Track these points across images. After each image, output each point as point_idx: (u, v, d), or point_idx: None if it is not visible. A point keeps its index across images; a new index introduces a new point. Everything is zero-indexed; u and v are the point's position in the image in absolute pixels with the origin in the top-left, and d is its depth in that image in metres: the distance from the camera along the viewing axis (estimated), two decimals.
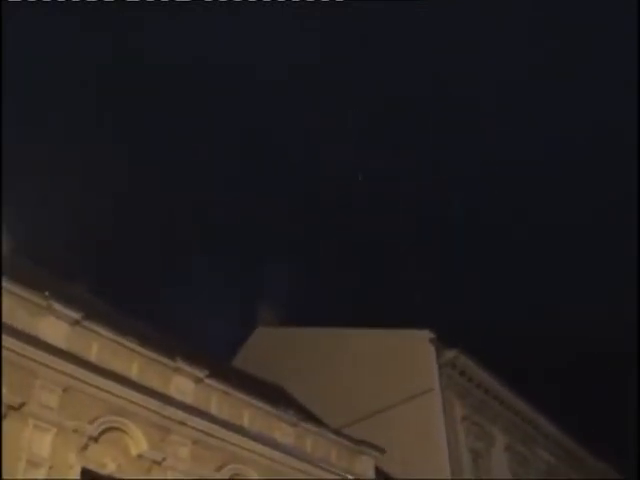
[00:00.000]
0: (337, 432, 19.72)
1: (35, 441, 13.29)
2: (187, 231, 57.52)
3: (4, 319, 13.45)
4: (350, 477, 18.61)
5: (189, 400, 16.08)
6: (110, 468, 14.36)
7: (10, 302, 13.78)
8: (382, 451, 19.75)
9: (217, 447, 16.24)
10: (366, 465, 19.39)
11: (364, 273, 55.91)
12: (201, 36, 52.65)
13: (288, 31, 49.97)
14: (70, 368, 14.14)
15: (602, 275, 51.83)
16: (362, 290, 51.64)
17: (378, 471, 20.05)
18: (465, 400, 25.35)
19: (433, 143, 57.58)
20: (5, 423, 12.93)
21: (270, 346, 29.16)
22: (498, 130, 54.26)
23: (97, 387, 14.51)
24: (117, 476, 14.33)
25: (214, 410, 16.55)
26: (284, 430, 17.85)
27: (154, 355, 15.90)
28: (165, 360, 16.06)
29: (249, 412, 17.35)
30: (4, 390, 13.04)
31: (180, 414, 15.66)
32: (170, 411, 15.52)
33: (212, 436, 16.17)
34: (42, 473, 13.16)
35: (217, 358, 23.90)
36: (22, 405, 13.26)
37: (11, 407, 13.07)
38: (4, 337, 13.29)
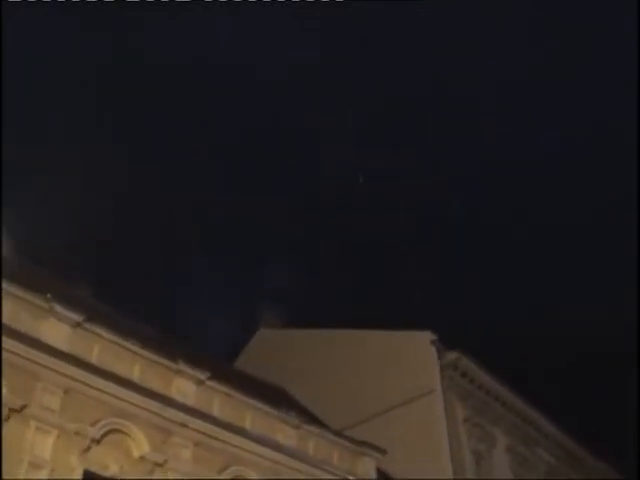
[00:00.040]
0: (339, 434, 19.72)
1: (37, 443, 13.31)
2: (187, 231, 57.50)
3: (6, 321, 13.44)
4: (352, 478, 18.59)
5: (191, 402, 16.07)
6: (112, 470, 14.38)
7: (12, 304, 13.78)
8: (384, 452, 19.74)
9: (219, 449, 16.24)
10: (368, 466, 19.37)
11: (364, 273, 55.94)
12: (201, 36, 52.67)
13: (288, 31, 49.99)
14: (72, 370, 14.16)
15: (602, 275, 51.84)
16: (362, 290, 51.66)
17: (380, 472, 20.05)
18: (467, 402, 25.38)
19: (433, 143, 57.61)
20: (7, 425, 12.95)
21: (272, 348, 29.19)
22: (498, 130, 54.29)
23: (99, 389, 14.52)
24: (119, 478, 14.34)
25: (216, 412, 16.55)
26: (286, 432, 17.85)
27: (156, 357, 15.90)
28: (167, 362, 16.05)
29: (251, 414, 17.34)
30: (6, 392, 13.03)
31: (182, 416, 15.66)
32: (172, 413, 15.52)
33: (214, 438, 16.17)
34: (44, 475, 13.17)
35: (219, 360, 23.85)
36: (24, 407, 13.28)
37: (13, 409, 13.08)
38: (6, 339, 13.27)
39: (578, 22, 47.10)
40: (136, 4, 37.87)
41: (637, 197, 41.43)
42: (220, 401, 16.84)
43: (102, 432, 14.32)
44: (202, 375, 16.47)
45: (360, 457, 19.32)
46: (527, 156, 54.63)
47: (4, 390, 13.02)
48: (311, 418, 20.41)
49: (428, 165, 59.42)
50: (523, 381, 30.13)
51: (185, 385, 16.18)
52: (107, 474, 14.27)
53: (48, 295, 14.32)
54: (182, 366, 16.12)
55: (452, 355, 24.93)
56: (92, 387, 14.41)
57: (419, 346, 25.22)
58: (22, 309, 13.98)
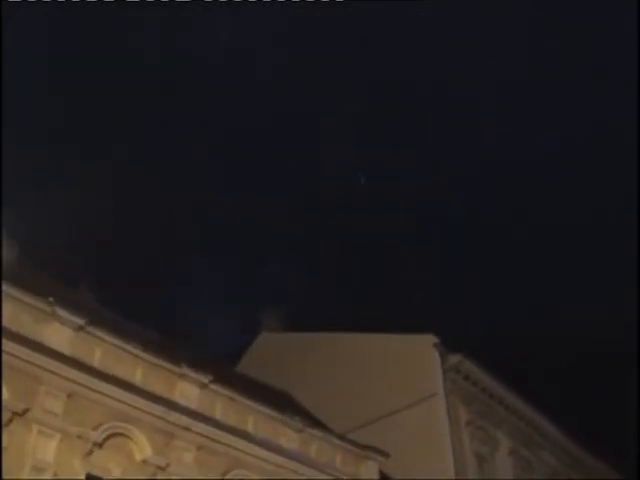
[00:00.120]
0: (342, 437, 19.68)
1: (39, 447, 13.32)
2: (187, 231, 57.42)
3: (9, 325, 13.41)
4: None
5: (193, 406, 16.04)
6: (114, 474, 14.40)
7: (14, 308, 13.74)
8: (387, 456, 19.72)
9: (222, 452, 16.22)
10: (371, 470, 19.35)
11: (364, 273, 55.84)
12: (201, 36, 52.56)
13: (288, 31, 49.87)
14: (74, 374, 14.14)
15: (602, 275, 51.78)
16: (362, 290, 51.59)
17: (383, 476, 20.03)
18: (469, 405, 25.35)
19: (433, 143, 57.53)
20: (9, 429, 12.95)
21: (274, 351, 29.15)
22: (498, 130, 54.20)
23: (101, 393, 14.51)
24: None
25: (219, 416, 16.52)
26: (289, 435, 17.82)
27: (158, 361, 15.88)
28: (169, 366, 16.03)
29: (253, 417, 17.32)
30: (8, 396, 13.00)
31: (184, 420, 15.64)
32: (174, 417, 15.50)
33: (217, 441, 16.15)
34: (47, 479, 13.12)
35: (221, 363, 23.78)
36: (26, 411, 13.27)
37: (15, 413, 13.07)
38: (8, 343, 13.24)
39: (578, 22, 47.06)
40: (136, 4, 37.78)
41: (637, 197, 41.41)
42: (223, 404, 16.80)
43: (104, 436, 14.32)
44: (205, 378, 16.44)
45: (363, 460, 19.29)
46: (527, 156, 54.59)
47: (7, 394, 13.00)
48: (314, 421, 20.36)
49: (428, 165, 59.42)
50: (523, 381, 30.10)
51: (188, 388, 16.15)
52: (109, 478, 14.27)
53: (50, 299, 14.29)
54: (185, 369, 16.08)
55: (455, 358, 24.89)
56: (95, 391, 14.40)
57: (421, 349, 25.18)
58: (24, 312, 13.95)
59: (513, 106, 55.57)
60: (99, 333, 14.99)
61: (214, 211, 58.44)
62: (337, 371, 26.88)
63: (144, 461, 14.77)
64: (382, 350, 26.29)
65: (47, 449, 13.37)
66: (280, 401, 20.73)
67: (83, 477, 13.81)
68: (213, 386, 16.66)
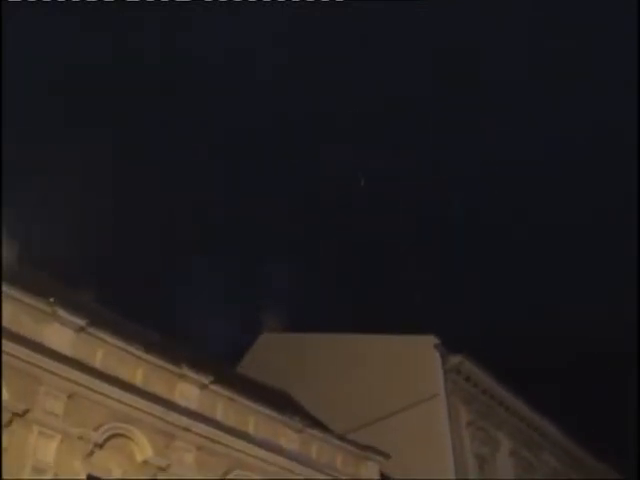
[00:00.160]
0: (342, 438, 19.68)
1: (40, 448, 13.31)
2: (187, 232, 57.37)
3: (9, 325, 13.40)
4: None
5: (194, 406, 16.04)
6: (115, 474, 14.39)
7: (15, 308, 13.73)
8: (387, 457, 19.72)
9: (222, 453, 16.21)
10: (371, 471, 19.35)
11: (364, 273, 55.79)
12: (201, 36, 52.52)
13: (288, 31, 49.84)
14: (75, 375, 14.14)
15: (602, 275, 51.77)
16: (362, 290, 51.53)
17: (383, 477, 20.00)
18: (470, 406, 25.34)
19: (433, 143, 57.50)
20: (10, 430, 12.94)
21: (275, 352, 29.13)
22: (498, 130, 54.16)
23: (102, 394, 14.50)
24: None
25: (219, 416, 16.52)
26: (289, 436, 17.81)
27: (159, 361, 15.88)
28: (170, 366, 16.02)
29: (254, 418, 17.31)
30: (9, 397, 12.99)
31: (185, 420, 15.64)
32: (175, 417, 15.50)
33: (217, 442, 16.14)
34: None
35: (222, 364, 23.76)
36: (27, 412, 13.26)
37: (16, 414, 13.05)
38: (9, 343, 13.23)
39: (578, 22, 47.05)
40: (136, 4, 37.75)
41: (637, 197, 41.41)
42: (223, 405, 16.80)
43: (105, 436, 14.31)
44: (205, 379, 16.44)
45: (364, 461, 19.30)
46: (527, 156, 54.58)
47: (7, 395, 12.99)
48: (314, 422, 20.36)
49: (428, 165, 59.35)
50: (523, 382, 30.08)
51: (188, 389, 16.14)
52: (110, 478, 14.26)
53: (51, 299, 14.28)
54: (185, 370, 16.08)
55: (456, 359, 24.89)
56: (95, 391, 14.40)
57: (422, 350, 25.17)
58: (24, 313, 13.94)
59: (513, 106, 55.58)
60: (100, 334, 14.98)
61: (214, 211, 58.39)
62: (338, 372, 26.89)
63: (145, 462, 14.76)
64: (383, 351, 26.29)
65: (47, 450, 13.35)
66: (280, 402, 20.73)
67: (84, 478, 13.79)
68: (213, 387, 16.66)
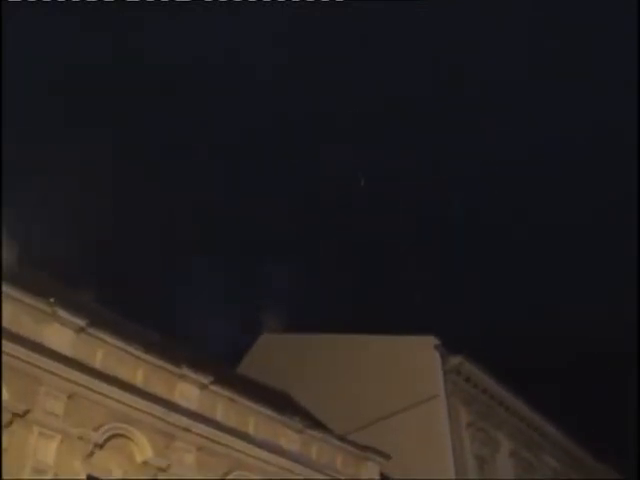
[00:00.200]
0: (342, 438, 19.67)
1: (40, 448, 13.30)
2: (187, 232, 57.35)
3: (9, 326, 13.39)
4: None
5: (194, 407, 16.03)
6: (115, 475, 14.38)
7: (15, 309, 13.73)
8: (388, 457, 19.71)
9: (222, 454, 16.20)
10: (372, 471, 19.33)
11: (364, 273, 55.78)
12: (201, 36, 52.50)
13: (288, 31, 49.83)
14: (75, 375, 14.13)
15: (602, 275, 51.78)
16: (362, 290, 51.53)
17: (383, 477, 19.98)
18: (470, 406, 25.33)
19: (433, 143, 57.48)
20: (10, 430, 12.93)
21: (275, 352, 29.12)
22: (498, 130, 54.15)
23: (102, 394, 14.49)
24: None
25: (219, 417, 16.51)
26: (289, 436, 17.80)
27: (159, 362, 15.87)
28: (170, 367, 16.01)
29: (254, 418, 17.30)
30: (9, 397, 12.98)
31: (185, 421, 15.62)
32: (175, 418, 15.48)
33: (217, 443, 16.13)
34: None
35: (222, 364, 23.76)
36: (27, 412, 13.25)
37: (16, 414, 13.05)
38: (9, 344, 13.23)
39: (578, 22, 47.05)
40: (136, 4, 37.73)
41: (637, 197, 41.41)
42: (223, 406, 16.79)
43: (105, 437, 14.30)
44: (205, 380, 16.42)
45: (364, 462, 19.28)
46: (527, 156, 54.62)
47: (7, 395, 12.98)
48: (315, 423, 20.35)
49: (428, 165, 59.36)
50: (523, 382, 30.08)
51: (188, 390, 16.13)
52: (110, 479, 14.24)
53: (51, 299, 14.27)
54: (185, 371, 16.07)
55: (455, 360, 24.88)
56: (95, 392, 14.39)
57: (422, 351, 25.17)
58: (24, 313, 13.94)
59: (513, 106, 55.59)
60: (100, 334, 14.98)
61: (214, 211, 58.33)
62: (338, 372, 26.88)
63: (145, 462, 14.74)
64: (383, 351, 26.28)
65: (47, 450, 13.35)
66: (280, 402, 20.72)
67: (84, 478, 13.77)
68: (213, 387, 16.65)
